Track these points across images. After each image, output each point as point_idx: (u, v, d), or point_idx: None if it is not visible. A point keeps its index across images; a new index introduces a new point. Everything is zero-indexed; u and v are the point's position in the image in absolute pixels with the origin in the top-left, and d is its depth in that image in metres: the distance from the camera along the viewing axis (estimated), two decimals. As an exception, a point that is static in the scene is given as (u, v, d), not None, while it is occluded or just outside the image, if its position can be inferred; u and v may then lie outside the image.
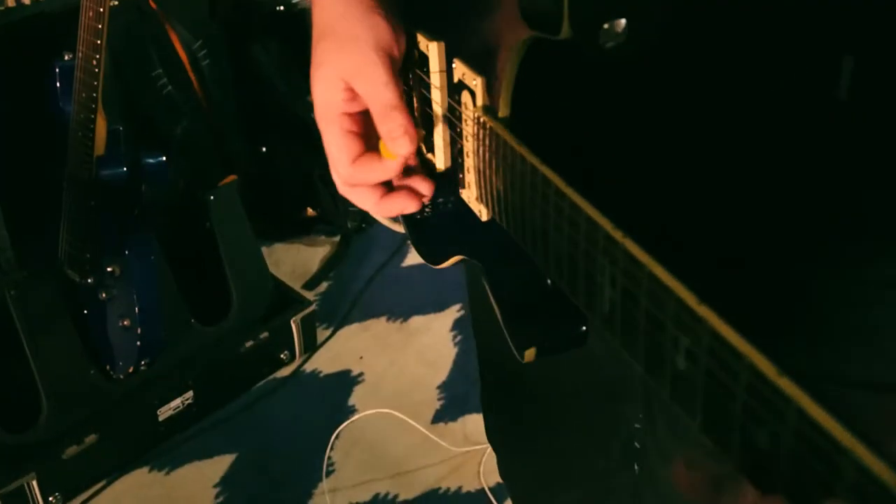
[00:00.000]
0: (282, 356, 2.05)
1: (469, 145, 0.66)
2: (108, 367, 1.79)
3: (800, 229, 0.61)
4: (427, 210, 0.78)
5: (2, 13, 1.87)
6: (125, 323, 1.72)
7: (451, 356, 2.09)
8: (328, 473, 1.81)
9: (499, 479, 1.78)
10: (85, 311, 1.76)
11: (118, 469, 1.83)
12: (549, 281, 0.63)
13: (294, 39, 2.21)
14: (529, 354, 0.66)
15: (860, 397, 0.61)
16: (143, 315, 1.70)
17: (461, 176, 0.70)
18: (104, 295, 1.72)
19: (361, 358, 2.09)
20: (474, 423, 1.91)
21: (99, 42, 1.49)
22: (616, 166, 0.60)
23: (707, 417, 0.41)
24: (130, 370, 1.78)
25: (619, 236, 0.46)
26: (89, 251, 1.69)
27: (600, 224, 0.48)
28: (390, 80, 0.67)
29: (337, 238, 2.41)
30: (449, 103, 0.69)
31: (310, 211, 2.42)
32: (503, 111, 0.61)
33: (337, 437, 1.87)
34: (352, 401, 1.98)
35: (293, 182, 2.34)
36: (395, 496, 1.78)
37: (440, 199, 0.75)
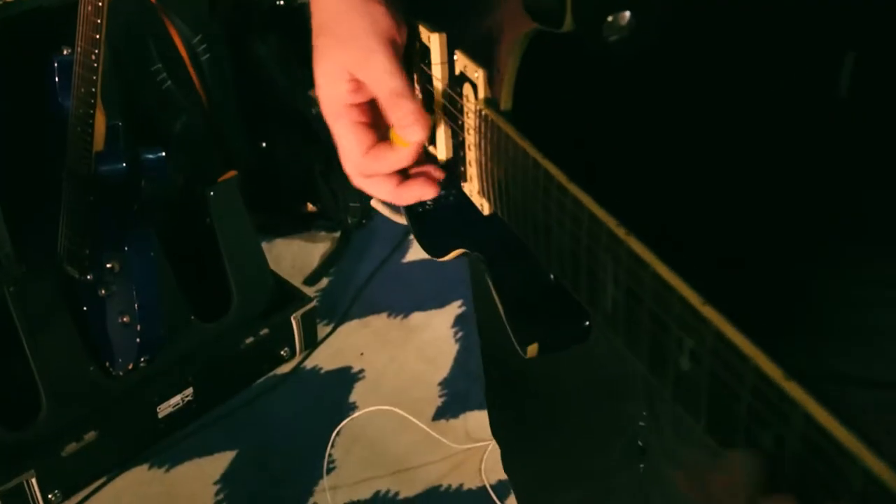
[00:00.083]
0: (282, 353, 2.04)
1: (470, 138, 0.65)
2: (107, 364, 1.79)
3: (800, 229, 0.61)
4: (429, 203, 0.77)
5: (0, 7, 1.86)
6: (125, 319, 1.71)
7: (452, 353, 2.08)
8: (329, 471, 1.80)
9: (500, 477, 1.79)
10: (84, 308, 1.76)
11: (118, 466, 1.82)
12: (551, 276, 0.63)
13: (294, 34, 2.20)
14: (532, 350, 0.65)
15: (860, 396, 0.61)
16: (143, 312, 1.69)
17: (462, 169, 0.69)
18: (103, 291, 1.72)
19: (362, 354, 2.09)
20: (475, 420, 1.90)
21: (98, 37, 1.48)
22: (618, 162, 0.60)
23: (711, 419, 0.40)
24: (130, 367, 1.77)
25: (622, 234, 0.45)
26: (88, 247, 1.69)
27: (603, 221, 0.47)
28: (395, 68, 0.66)
29: (337, 234, 2.40)
30: (450, 95, 0.68)
31: (310, 206, 2.41)
32: (505, 104, 0.60)
33: (338, 434, 1.87)
34: (352, 398, 1.97)
35: (293, 177, 2.33)
36: (396, 494, 1.77)
37: (442, 192, 0.74)
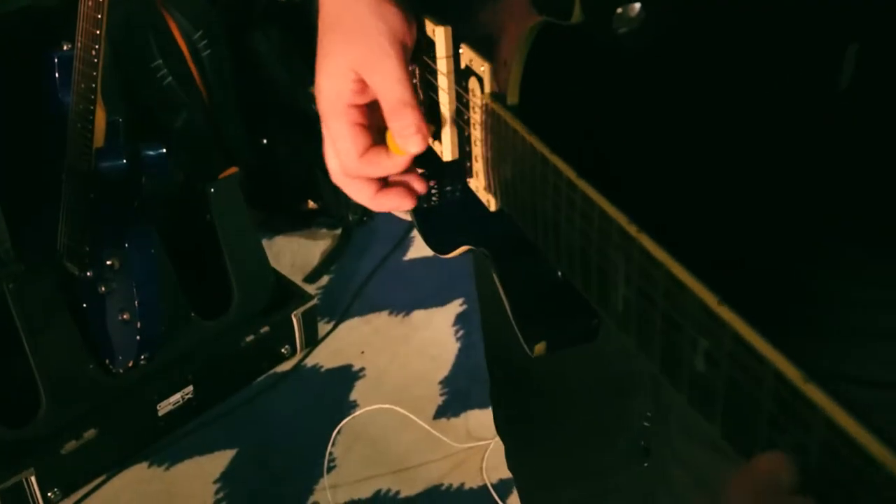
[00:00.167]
0: (282, 350, 2.03)
1: (477, 133, 0.64)
2: (107, 362, 1.78)
3: (799, 228, 0.60)
4: (434, 199, 0.76)
5: (0, 3, 1.85)
6: (125, 317, 1.70)
7: (453, 351, 2.07)
8: (329, 469, 1.79)
9: (502, 476, 1.78)
10: (84, 305, 1.75)
11: (117, 464, 1.81)
12: (559, 273, 0.61)
13: (296, 29, 2.19)
14: (539, 349, 0.64)
15: (859, 396, 0.60)
16: (143, 309, 1.69)
17: (468, 165, 0.68)
18: (103, 288, 1.71)
19: (363, 353, 2.08)
20: (477, 418, 1.89)
21: (98, 32, 1.47)
22: (627, 157, 0.58)
23: (727, 423, 0.39)
24: (130, 364, 1.76)
25: (633, 231, 0.44)
26: (88, 244, 1.68)
27: (614, 218, 0.46)
28: (404, 75, 0.65)
29: (338, 231, 2.39)
30: (456, 90, 0.67)
31: (311, 203, 2.40)
32: (512, 98, 0.59)
33: (338, 432, 1.86)
34: (353, 396, 1.96)
35: (294, 174, 2.32)
36: (397, 493, 1.76)
37: (448, 188, 0.73)
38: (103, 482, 1.79)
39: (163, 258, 1.77)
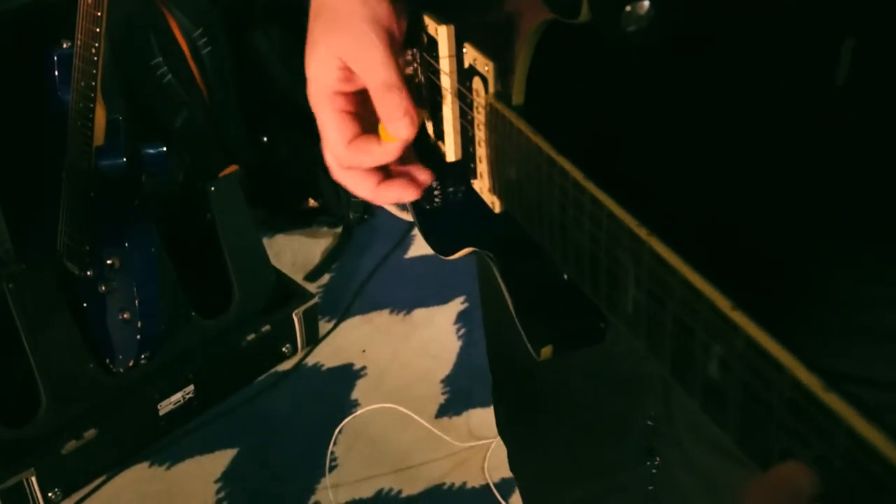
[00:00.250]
0: (283, 349, 2.02)
1: (481, 134, 0.63)
2: (107, 361, 1.77)
3: (799, 227, 0.60)
4: (437, 200, 0.75)
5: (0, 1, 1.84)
6: (125, 316, 1.69)
7: (454, 349, 2.07)
8: (331, 469, 1.79)
9: (504, 475, 1.77)
10: (84, 305, 1.74)
11: (118, 464, 1.81)
12: (565, 276, 0.61)
13: (296, 26, 2.17)
14: (546, 352, 0.63)
15: (864, 396, 0.59)
16: (144, 308, 1.68)
17: (473, 166, 0.67)
18: (104, 288, 1.70)
19: (364, 351, 2.07)
20: (478, 417, 1.88)
21: (98, 30, 1.47)
22: (634, 157, 0.58)
23: (742, 430, 0.38)
24: (130, 364, 1.76)
25: (643, 234, 0.43)
26: (88, 243, 1.67)
27: (623, 221, 0.45)
28: (388, 59, 0.64)
29: (339, 229, 2.39)
30: (459, 90, 0.66)
31: (311, 201, 2.39)
32: (517, 98, 0.58)
33: (340, 431, 1.85)
34: (354, 395, 1.96)
35: (295, 172, 2.32)
36: (399, 492, 1.76)
37: (451, 189, 0.72)
38: (104, 482, 1.78)
39: (163, 257, 1.76)
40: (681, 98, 0.58)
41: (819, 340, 0.58)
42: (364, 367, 2.03)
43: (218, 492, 1.77)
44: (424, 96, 0.72)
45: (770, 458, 0.36)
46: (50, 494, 1.70)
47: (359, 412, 1.90)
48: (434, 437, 1.84)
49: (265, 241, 2.16)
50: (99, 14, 1.45)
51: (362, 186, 0.68)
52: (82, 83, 1.52)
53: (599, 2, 0.50)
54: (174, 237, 1.83)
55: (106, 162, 1.60)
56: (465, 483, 1.77)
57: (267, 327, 1.97)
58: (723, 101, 0.58)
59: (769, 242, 0.61)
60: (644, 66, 0.56)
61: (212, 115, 2.14)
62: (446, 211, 0.75)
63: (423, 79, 0.72)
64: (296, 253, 2.35)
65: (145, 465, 1.82)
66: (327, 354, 2.06)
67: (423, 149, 0.72)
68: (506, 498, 1.73)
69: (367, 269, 2.29)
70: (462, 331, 2.12)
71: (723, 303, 0.38)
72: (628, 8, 0.50)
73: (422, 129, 0.72)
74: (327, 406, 1.93)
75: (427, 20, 0.67)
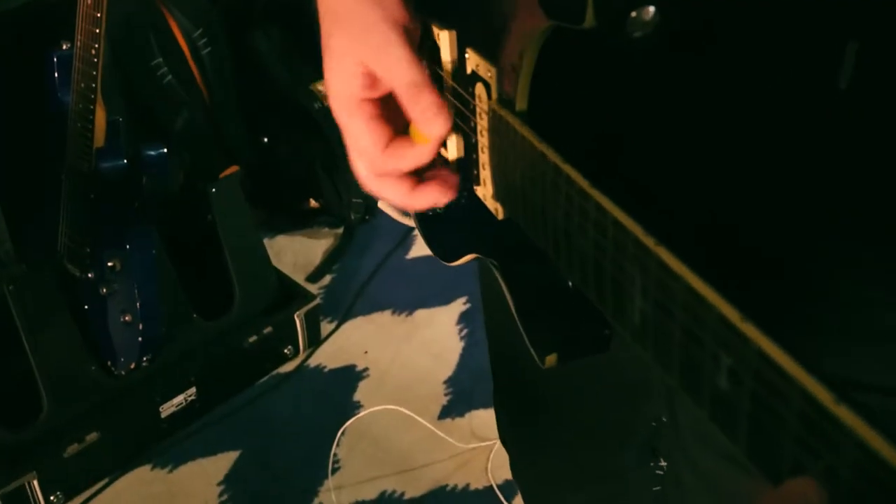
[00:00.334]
0: (285, 351, 2.02)
1: (484, 140, 0.63)
2: (109, 364, 1.77)
3: (799, 227, 0.60)
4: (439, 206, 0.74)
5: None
6: (126, 318, 1.69)
7: (457, 350, 2.06)
8: (333, 470, 1.78)
9: (507, 476, 1.77)
10: (85, 307, 1.74)
11: (120, 467, 1.80)
12: (570, 284, 0.60)
13: (296, 27, 2.17)
14: (551, 360, 0.63)
15: (860, 399, 0.59)
16: (145, 310, 1.68)
17: (475, 172, 0.66)
18: (104, 290, 1.70)
19: (366, 352, 2.07)
20: (481, 418, 1.88)
21: (98, 31, 1.46)
22: (640, 163, 0.57)
23: (751, 441, 0.38)
24: (132, 366, 1.75)
25: (651, 243, 0.43)
26: (89, 245, 1.67)
27: (630, 229, 0.44)
28: (413, 57, 0.61)
29: (340, 230, 2.38)
30: (462, 96, 0.65)
31: (312, 202, 2.39)
32: (521, 105, 0.57)
33: (342, 433, 1.85)
34: (357, 396, 1.95)
35: (295, 173, 2.31)
36: (402, 493, 1.75)
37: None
38: (106, 485, 1.78)
39: (164, 258, 1.76)
40: (683, 100, 0.57)
41: (819, 340, 0.58)
42: (366, 369, 2.02)
43: (220, 494, 1.77)
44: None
45: (779, 468, 0.35)
46: (52, 498, 1.69)
47: (361, 414, 1.90)
48: (437, 438, 1.84)
49: (266, 241, 2.15)
50: (98, 15, 1.45)
51: (397, 192, 0.66)
52: (82, 84, 1.52)
53: (605, 8, 0.50)
54: (175, 238, 1.82)
55: (106, 163, 1.60)
56: (468, 484, 1.77)
57: (268, 329, 1.97)
58: (726, 103, 0.58)
59: (769, 242, 0.61)
60: (647, 70, 0.56)
61: (212, 116, 2.14)
62: (449, 217, 0.75)
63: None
64: (297, 254, 2.34)
65: (147, 467, 1.82)
66: (329, 356, 2.06)
67: None
68: (509, 500, 1.73)
69: (368, 270, 2.29)
70: (464, 331, 2.11)
71: (733, 314, 0.38)
72: (634, 14, 0.50)
73: None
74: (330, 407, 1.92)
75: (432, 27, 0.67)
